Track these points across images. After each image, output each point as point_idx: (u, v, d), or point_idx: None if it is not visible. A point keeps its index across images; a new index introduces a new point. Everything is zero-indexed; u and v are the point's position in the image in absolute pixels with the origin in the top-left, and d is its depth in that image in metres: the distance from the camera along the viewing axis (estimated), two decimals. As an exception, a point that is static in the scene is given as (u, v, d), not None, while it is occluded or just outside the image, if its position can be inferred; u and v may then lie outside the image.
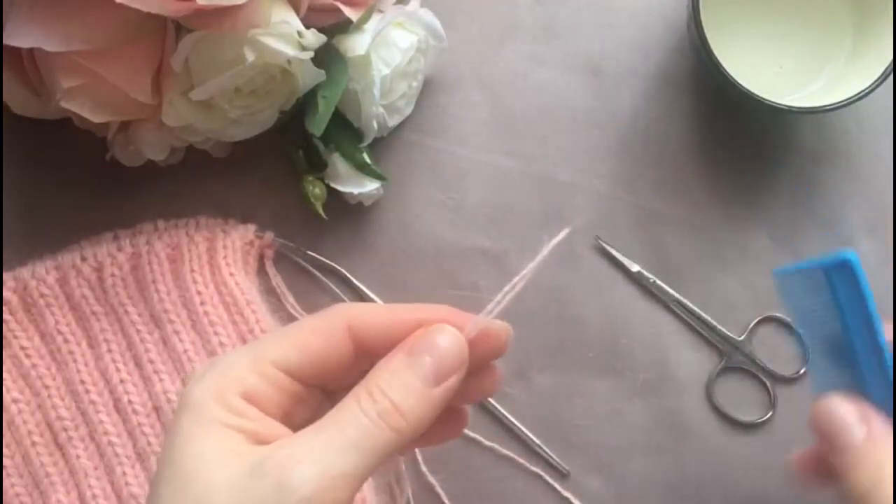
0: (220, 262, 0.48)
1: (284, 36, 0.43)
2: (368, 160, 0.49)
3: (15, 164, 0.51)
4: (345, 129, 0.49)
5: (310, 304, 0.50)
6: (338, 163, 0.49)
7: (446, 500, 0.49)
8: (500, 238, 0.51)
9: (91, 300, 0.48)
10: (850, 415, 0.38)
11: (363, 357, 0.34)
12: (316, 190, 0.49)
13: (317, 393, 0.35)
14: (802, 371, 0.51)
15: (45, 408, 0.47)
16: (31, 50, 0.42)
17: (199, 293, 0.47)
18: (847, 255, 0.35)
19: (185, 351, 0.47)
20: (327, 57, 0.46)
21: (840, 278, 0.36)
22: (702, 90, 0.53)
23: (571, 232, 0.52)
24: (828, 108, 0.46)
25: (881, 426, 0.38)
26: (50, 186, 0.51)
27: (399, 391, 0.32)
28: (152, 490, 0.31)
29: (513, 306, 0.51)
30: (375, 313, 0.35)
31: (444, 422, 0.35)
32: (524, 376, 0.51)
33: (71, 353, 0.47)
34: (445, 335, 0.34)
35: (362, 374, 0.34)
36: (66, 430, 0.47)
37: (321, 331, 0.34)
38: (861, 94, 0.46)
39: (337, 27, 0.47)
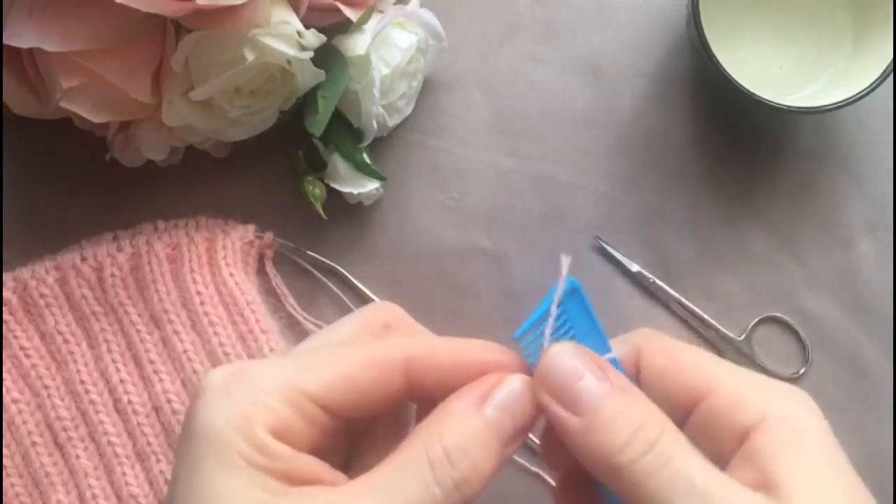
0: (219, 263, 0.48)
1: (284, 36, 0.43)
2: (368, 160, 0.49)
3: (15, 164, 0.51)
4: (345, 129, 0.49)
5: (310, 305, 0.50)
6: (338, 163, 0.49)
7: (446, 500, 0.49)
8: (500, 238, 0.51)
9: (91, 300, 0.48)
10: (575, 366, 0.29)
11: (412, 396, 0.31)
12: (316, 190, 0.49)
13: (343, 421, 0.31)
14: (802, 371, 0.51)
15: (45, 408, 0.47)
16: (31, 50, 0.42)
17: (198, 293, 0.47)
18: (573, 281, 0.32)
19: (185, 351, 0.47)
20: (327, 57, 0.46)
21: (572, 303, 0.32)
22: (702, 90, 0.53)
23: (572, 231, 0.52)
24: (828, 108, 0.46)
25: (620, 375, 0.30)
26: (50, 186, 0.51)
27: (479, 453, 0.28)
28: None
29: (512, 306, 0.51)
30: (438, 352, 0.31)
31: None
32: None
33: (71, 353, 0.47)
34: (523, 386, 0.30)
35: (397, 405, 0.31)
36: (65, 430, 0.47)
37: (374, 365, 0.30)
38: (861, 94, 0.46)
39: (337, 27, 0.47)
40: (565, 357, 0.30)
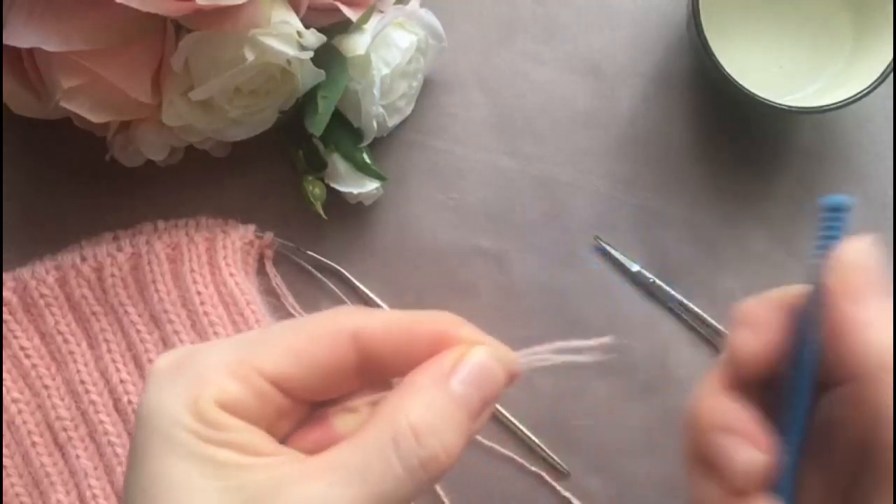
0: (220, 263, 0.48)
1: (284, 36, 0.43)
2: (368, 160, 0.49)
3: (15, 164, 0.51)
4: (345, 129, 0.49)
5: (310, 305, 0.50)
6: (338, 163, 0.49)
7: (446, 501, 0.49)
8: (500, 238, 0.51)
9: (91, 300, 0.48)
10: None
11: (367, 371, 0.29)
12: (316, 190, 0.49)
13: (303, 403, 0.30)
14: (802, 371, 0.51)
15: (45, 408, 0.47)
16: (31, 50, 0.42)
17: (198, 293, 0.47)
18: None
19: (185, 351, 0.47)
20: (327, 57, 0.46)
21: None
22: (702, 90, 0.53)
23: (572, 231, 0.52)
24: (828, 108, 0.46)
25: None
26: (50, 186, 0.51)
27: (448, 430, 0.27)
28: None
29: (512, 306, 0.51)
30: (387, 322, 0.29)
31: None
32: (524, 376, 0.51)
33: (71, 353, 0.47)
34: (488, 358, 0.29)
35: (357, 385, 0.29)
36: (65, 430, 0.47)
37: (323, 338, 0.28)
38: (861, 94, 0.46)
39: (337, 27, 0.47)
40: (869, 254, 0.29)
